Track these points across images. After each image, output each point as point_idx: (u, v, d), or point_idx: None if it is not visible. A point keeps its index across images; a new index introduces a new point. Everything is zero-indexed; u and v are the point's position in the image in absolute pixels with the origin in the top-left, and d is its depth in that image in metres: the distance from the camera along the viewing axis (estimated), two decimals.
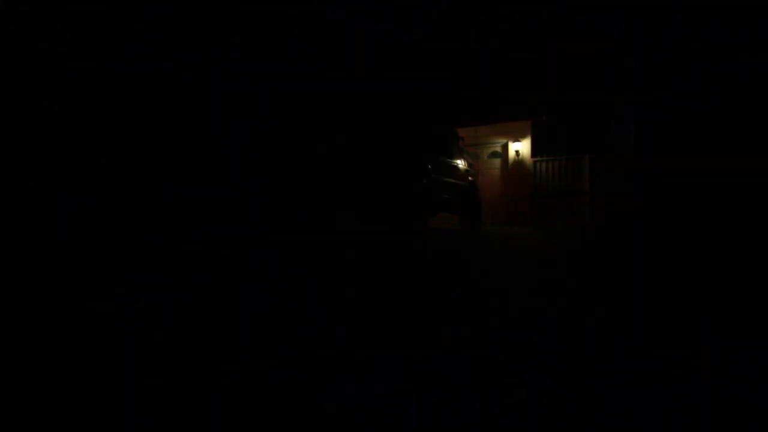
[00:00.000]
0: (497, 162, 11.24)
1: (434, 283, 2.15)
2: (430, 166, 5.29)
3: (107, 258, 2.68)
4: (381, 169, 4.77)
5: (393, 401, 0.80)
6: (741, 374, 0.95)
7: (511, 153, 10.90)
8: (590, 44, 8.45)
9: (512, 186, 10.83)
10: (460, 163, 6.65)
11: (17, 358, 1.02)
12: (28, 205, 5.75)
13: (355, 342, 1.14)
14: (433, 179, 5.34)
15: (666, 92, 1.94)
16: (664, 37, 1.94)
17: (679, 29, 1.94)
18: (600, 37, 8.08)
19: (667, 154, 1.93)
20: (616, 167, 3.18)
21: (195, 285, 1.93)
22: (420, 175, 5.05)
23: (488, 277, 2.33)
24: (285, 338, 1.18)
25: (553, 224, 8.58)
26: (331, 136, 5.85)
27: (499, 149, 11.25)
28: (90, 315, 1.41)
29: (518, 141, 10.78)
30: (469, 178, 6.97)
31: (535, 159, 10.44)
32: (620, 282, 2.08)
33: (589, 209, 9.04)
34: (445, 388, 0.86)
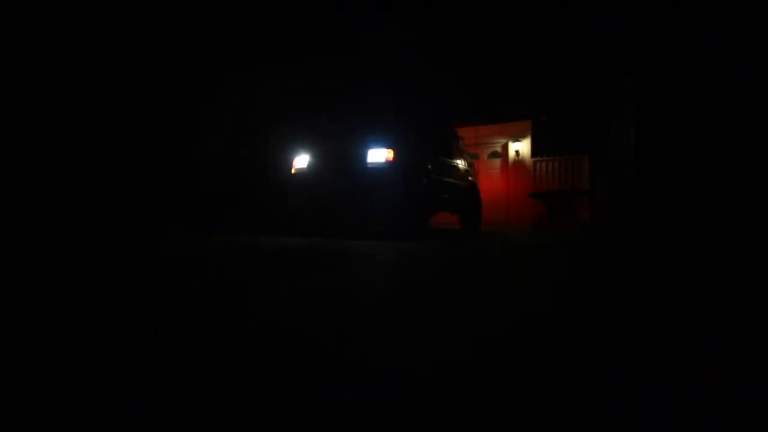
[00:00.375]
0: (497, 162, 11.24)
1: (434, 282, 2.15)
2: (430, 166, 5.29)
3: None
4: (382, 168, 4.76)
5: (393, 401, 0.80)
6: (741, 374, 0.95)
7: (511, 153, 10.90)
8: (590, 44, 8.44)
9: (512, 186, 10.83)
10: (460, 163, 6.64)
11: (16, 358, 1.02)
12: (28, 204, 5.76)
13: (354, 341, 1.14)
14: (433, 179, 5.34)
15: (666, 92, 1.94)
16: (664, 37, 1.94)
17: (679, 29, 1.94)
18: (600, 37, 8.07)
19: (667, 154, 1.93)
20: (616, 167, 3.18)
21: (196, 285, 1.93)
22: (420, 175, 5.05)
23: (487, 277, 2.34)
24: (284, 339, 1.18)
25: (553, 224, 8.58)
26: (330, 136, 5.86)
27: (499, 149, 11.25)
28: (86, 315, 1.41)
29: (518, 141, 10.78)
30: (469, 178, 6.97)
31: (535, 159, 10.44)
32: (620, 282, 2.08)
33: (589, 209, 9.04)
34: (445, 388, 0.86)
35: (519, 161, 10.80)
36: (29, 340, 1.15)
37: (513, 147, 10.86)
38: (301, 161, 5.39)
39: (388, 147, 4.80)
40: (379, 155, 4.79)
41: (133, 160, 7.60)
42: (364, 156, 4.83)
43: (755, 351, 1.12)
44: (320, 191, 5.14)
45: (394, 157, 4.76)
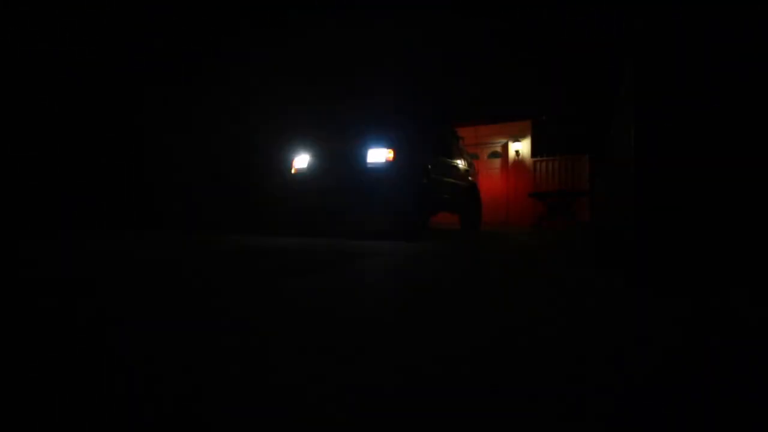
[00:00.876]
0: (497, 162, 11.24)
1: (434, 282, 2.15)
2: (430, 166, 5.29)
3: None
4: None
5: (392, 401, 0.80)
6: (742, 374, 0.95)
7: (511, 153, 10.90)
8: (590, 44, 8.44)
9: (512, 186, 10.82)
10: (460, 163, 6.64)
11: (15, 358, 1.02)
12: (28, 204, 5.76)
13: (354, 340, 1.14)
14: (433, 179, 5.33)
15: (666, 92, 1.94)
16: (664, 37, 1.95)
17: (679, 29, 1.94)
18: (600, 37, 8.06)
19: (667, 154, 1.93)
20: (616, 167, 3.18)
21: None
22: (420, 175, 5.05)
23: (488, 278, 2.34)
24: (281, 339, 1.18)
25: (553, 224, 8.59)
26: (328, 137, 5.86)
27: (499, 149, 11.25)
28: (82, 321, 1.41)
29: (518, 141, 10.77)
30: (469, 178, 6.97)
31: (535, 159, 10.44)
32: (620, 282, 2.08)
33: (589, 209, 9.03)
34: (444, 388, 0.86)
35: (519, 161, 10.80)
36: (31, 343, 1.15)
37: (513, 147, 10.86)
38: (301, 161, 5.39)
39: (388, 147, 4.80)
40: (379, 155, 4.79)
41: (133, 160, 7.60)
42: (364, 156, 4.83)
43: (756, 351, 1.12)
44: (320, 191, 5.13)
45: (394, 157, 4.76)
